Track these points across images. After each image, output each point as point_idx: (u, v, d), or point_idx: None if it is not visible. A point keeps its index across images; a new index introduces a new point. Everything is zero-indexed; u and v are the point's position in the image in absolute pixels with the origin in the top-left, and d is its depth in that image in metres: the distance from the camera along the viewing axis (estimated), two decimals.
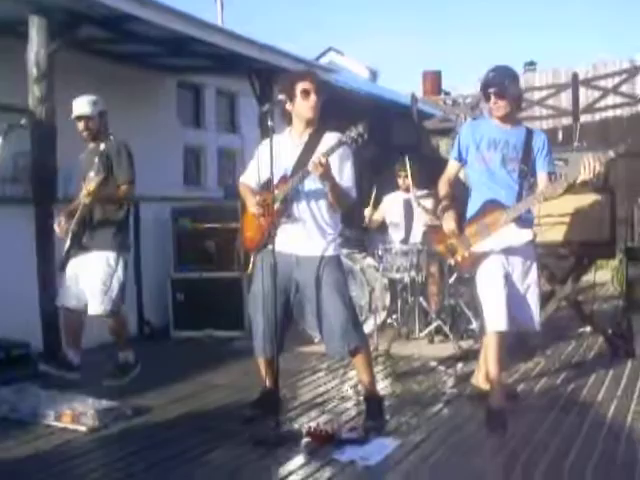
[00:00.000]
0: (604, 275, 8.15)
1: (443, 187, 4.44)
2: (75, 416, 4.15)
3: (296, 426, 4.06)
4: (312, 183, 4.05)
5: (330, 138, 4.04)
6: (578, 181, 4.01)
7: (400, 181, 6.90)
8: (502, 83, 4.17)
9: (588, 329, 6.28)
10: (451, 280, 6.26)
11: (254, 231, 4.25)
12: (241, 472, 3.51)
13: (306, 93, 4.08)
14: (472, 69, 42.11)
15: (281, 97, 4.07)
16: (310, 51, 17.83)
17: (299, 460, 3.59)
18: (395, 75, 31.52)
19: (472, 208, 4.29)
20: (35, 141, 5.74)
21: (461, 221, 4.28)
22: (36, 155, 5.78)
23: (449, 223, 4.28)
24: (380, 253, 6.39)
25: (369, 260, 6.68)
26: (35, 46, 5.60)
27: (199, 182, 9.06)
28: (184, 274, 6.96)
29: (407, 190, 6.87)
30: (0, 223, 5.70)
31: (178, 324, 6.91)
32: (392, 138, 11.70)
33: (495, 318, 4.09)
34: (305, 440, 3.76)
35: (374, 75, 18.54)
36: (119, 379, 5.10)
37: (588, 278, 6.46)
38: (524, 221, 4.20)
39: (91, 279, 5.06)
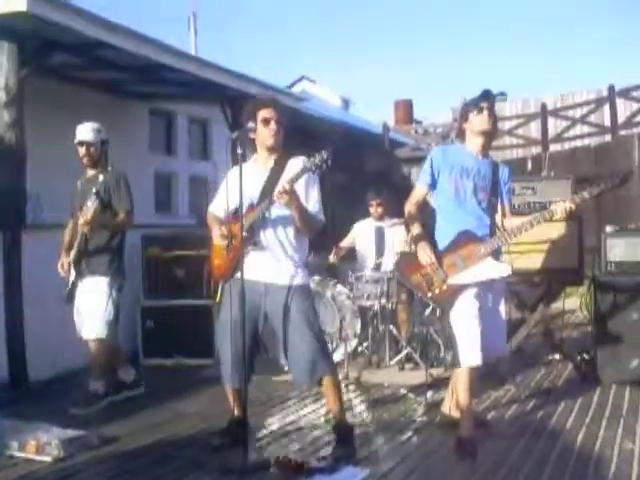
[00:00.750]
0: (573, 303, 8.21)
1: (412, 209, 4.29)
2: (39, 446, 4.06)
3: (265, 455, 4.01)
4: (279, 210, 4.04)
5: (295, 164, 4.04)
6: (554, 218, 4.09)
7: (372, 209, 6.94)
8: (494, 102, 4.22)
9: (557, 356, 6.31)
10: (426, 313, 6.27)
11: (222, 259, 4.22)
12: None
13: (266, 121, 4.09)
14: (443, 98, 42.61)
15: (251, 125, 4.07)
16: (283, 79, 17.92)
17: None
18: (368, 104, 31.76)
19: (442, 238, 4.18)
20: (3, 167, 5.70)
21: (434, 250, 4.16)
22: (4, 181, 5.74)
23: (427, 253, 4.12)
24: (351, 280, 6.40)
25: (340, 287, 6.68)
26: (5, 72, 5.60)
27: (170, 209, 9.05)
28: (154, 301, 6.88)
29: (379, 218, 6.91)
30: None
31: (147, 351, 6.82)
32: (364, 166, 11.77)
33: (469, 354, 4.05)
34: (274, 469, 3.73)
35: (346, 104, 18.69)
36: (85, 409, 5.03)
37: (557, 305, 6.51)
38: (497, 252, 4.18)
39: (88, 304, 5.11)
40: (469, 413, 4.15)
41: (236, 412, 4.26)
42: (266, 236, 4.10)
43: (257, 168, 4.17)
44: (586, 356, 5.90)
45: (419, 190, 4.31)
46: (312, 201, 4.08)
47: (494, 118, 4.18)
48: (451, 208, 4.17)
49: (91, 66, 6.77)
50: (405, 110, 17.53)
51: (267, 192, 4.05)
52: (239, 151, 3.85)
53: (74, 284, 5.18)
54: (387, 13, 61.71)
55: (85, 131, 5.17)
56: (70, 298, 5.22)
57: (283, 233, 4.11)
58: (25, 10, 5.13)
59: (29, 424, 4.44)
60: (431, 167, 4.23)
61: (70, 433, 4.25)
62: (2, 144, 5.61)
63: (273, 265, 4.09)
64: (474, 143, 4.21)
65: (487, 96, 4.18)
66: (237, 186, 3.94)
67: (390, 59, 64.25)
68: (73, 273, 5.16)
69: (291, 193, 3.85)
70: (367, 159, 12.07)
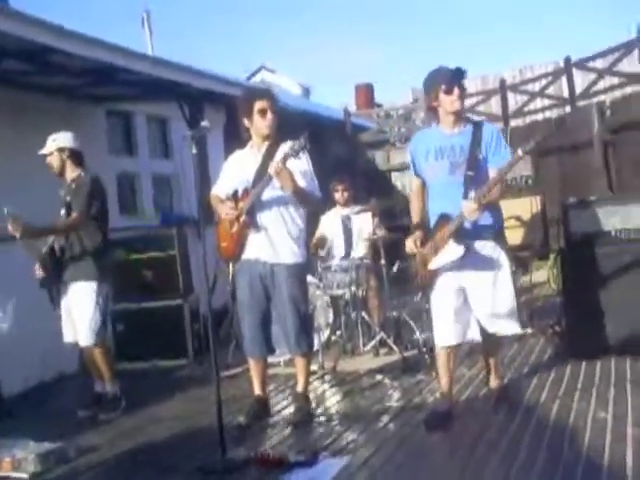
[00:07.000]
0: (542, 275, 8.27)
1: (412, 200, 4.44)
2: (16, 462, 4.02)
3: (244, 452, 4.00)
4: (272, 191, 4.33)
5: (284, 148, 4.29)
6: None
7: (338, 195, 6.90)
8: (464, 77, 4.13)
9: (529, 330, 6.35)
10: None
11: (228, 241, 4.51)
12: None
13: (263, 112, 4.38)
14: (403, 80, 42.57)
15: (205, 123, 4.10)
16: (242, 70, 17.78)
17: None
18: (329, 89, 31.75)
19: (432, 222, 4.27)
20: None
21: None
22: None
23: (410, 243, 4.24)
24: (320, 270, 6.38)
25: (309, 278, 6.63)
26: None
27: (135, 210, 8.94)
28: (123, 305, 6.79)
29: (345, 204, 6.87)
30: None
31: (120, 356, 6.74)
32: (327, 153, 11.75)
33: (442, 334, 4.22)
34: (254, 466, 3.73)
35: (307, 91, 18.65)
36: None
37: (527, 279, 6.56)
38: (466, 233, 4.07)
39: (75, 311, 5.04)
40: (447, 392, 4.34)
41: (257, 391, 4.65)
42: (265, 217, 4.41)
43: (252, 154, 4.52)
44: (557, 329, 5.95)
45: (413, 182, 4.48)
46: (307, 179, 4.39)
47: (463, 95, 4.13)
48: (432, 192, 4.29)
49: (41, 71, 6.63)
50: (366, 94, 17.47)
51: (260, 176, 4.35)
52: (193, 151, 3.86)
53: (57, 290, 5.08)
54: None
55: (45, 144, 5.14)
56: (55, 304, 5.14)
57: (278, 213, 4.42)
58: None
59: (4, 440, 4.39)
60: (412, 158, 4.36)
61: (47, 446, 4.20)
62: None
63: (272, 244, 4.42)
64: (446, 120, 4.19)
65: (458, 76, 4.10)
66: (236, 171, 4.46)
67: (350, 42, 64.14)
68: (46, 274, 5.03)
69: (282, 172, 4.13)
70: (330, 146, 12.04)
